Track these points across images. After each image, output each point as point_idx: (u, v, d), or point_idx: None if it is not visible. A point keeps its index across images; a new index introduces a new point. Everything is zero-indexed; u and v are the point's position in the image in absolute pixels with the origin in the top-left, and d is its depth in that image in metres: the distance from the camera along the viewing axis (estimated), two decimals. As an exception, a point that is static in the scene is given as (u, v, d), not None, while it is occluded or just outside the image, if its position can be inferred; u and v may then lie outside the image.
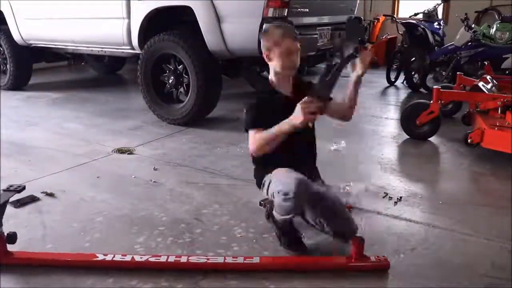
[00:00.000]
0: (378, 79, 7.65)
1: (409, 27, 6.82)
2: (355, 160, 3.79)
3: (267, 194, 2.33)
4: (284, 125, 2.07)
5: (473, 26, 6.02)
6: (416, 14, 7.37)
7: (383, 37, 9.22)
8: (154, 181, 3.29)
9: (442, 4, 7.69)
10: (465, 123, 4.57)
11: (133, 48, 5.02)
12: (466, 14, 6.08)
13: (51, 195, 3.03)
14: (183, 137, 4.37)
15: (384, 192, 3.12)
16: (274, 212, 2.28)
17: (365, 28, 9.11)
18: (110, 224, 2.67)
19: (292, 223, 2.36)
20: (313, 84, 2.20)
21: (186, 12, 4.44)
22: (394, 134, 4.54)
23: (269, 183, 2.31)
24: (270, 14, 4.10)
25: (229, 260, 2.25)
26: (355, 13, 5.49)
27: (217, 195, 3.08)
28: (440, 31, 7.12)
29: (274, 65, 2.31)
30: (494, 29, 6.02)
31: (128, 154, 3.89)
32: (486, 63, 5.56)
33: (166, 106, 4.79)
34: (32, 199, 2.91)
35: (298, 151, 2.40)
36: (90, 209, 2.84)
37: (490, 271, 2.23)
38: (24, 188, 2.44)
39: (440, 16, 8.01)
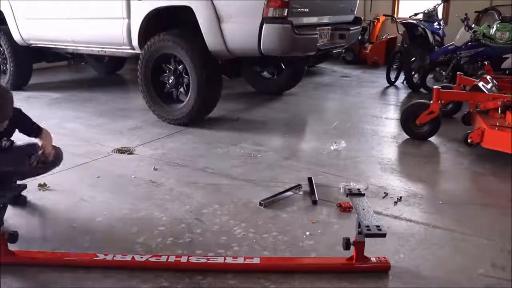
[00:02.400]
0: (378, 79, 7.66)
1: (409, 27, 6.82)
2: (355, 160, 3.80)
3: None
4: None
5: (473, 26, 6.02)
6: (416, 14, 7.37)
7: (383, 37, 9.23)
8: (154, 181, 3.29)
9: (442, 4, 7.70)
10: (465, 123, 4.57)
11: (133, 48, 5.01)
12: (466, 14, 6.08)
13: (45, 186, 3.09)
14: (183, 137, 4.37)
15: (384, 192, 3.12)
16: None
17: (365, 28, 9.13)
18: (110, 224, 2.67)
19: None
20: None
21: (186, 12, 4.44)
22: (394, 134, 4.54)
23: None
24: (270, 14, 4.10)
25: (229, 260, 2.25)
26: (355, 13, 5.49)
27: (217, 195, 3.08)
28: (440, 31, 7.12)
29: None
30: (494, 29, 6.02)
31: (128, 154, 3.89)
32: (486, 63, 5.56)
33: (166, 106, 4.79)
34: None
35: None
36: (90, 209, 2.84)
37: (490, 271, 2.23)
38: (25, 187, 2.45)
39: (440, 16, 8.01)
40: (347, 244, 2.18)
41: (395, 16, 8.98)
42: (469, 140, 3.83)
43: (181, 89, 4.73)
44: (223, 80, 4.80)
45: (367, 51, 9.19)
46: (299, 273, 2.21)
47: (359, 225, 2.14)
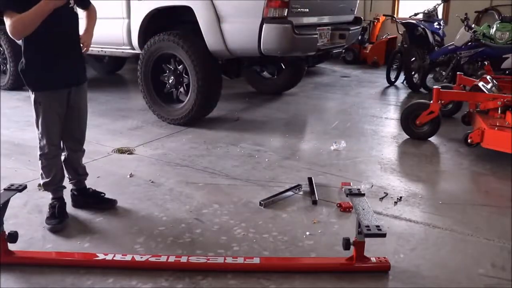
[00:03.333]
0: (378, 79, 7.67)
1: (409, 27, 6.82)
2: (355, 160, 3.79)
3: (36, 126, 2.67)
4: (38, 8, 2.33)
5: (473, 26, 6.02)
6: (416, 14, 7.38)
7: (383, 37, 9.23)
8: (154, 181, 3.29)
9: (442, 4, 7.70)
10: (465, 123, 4.57)
11: (133, 48, 5.02)
12: (466, 14, 6.08)
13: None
14: (183, 137, 4.37)
15: (384, 192, 3.12)
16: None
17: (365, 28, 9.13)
18: (110, 224, 2.67)
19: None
20: None
21: (186, 12, 4.44)
22: (394, 134, 4.54)
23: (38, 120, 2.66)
24: (270, 14, 4.10)
25: (229, 260, 2.25)
26: (355, 13, 5.49)
27: (217, 195, 3.08)
28: (440, 31, 7.12)
29: None
30: (494, 29, 6.03)
31: (128, 154, 3.89)
32: (486, 63, 5.56)
33: (166, 106, 4.79)
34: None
35: (62, 45, 2.65)
36: (90, 209, 2.84)
37: (490, 271, 2.23)
38: (25, 187, 2.45)
39: (440, 16, 8.02)
40: (347, 244, 2.18)
41: (395, 16, 8.98)
42: (469, 140, 3.83)
43: (181, 89, 4.73)
44: (223, 80, 4.80)
45: (367, 51, 9.19)
46: (299, 273, 2.21)
47: (359, 225, 2.14)
